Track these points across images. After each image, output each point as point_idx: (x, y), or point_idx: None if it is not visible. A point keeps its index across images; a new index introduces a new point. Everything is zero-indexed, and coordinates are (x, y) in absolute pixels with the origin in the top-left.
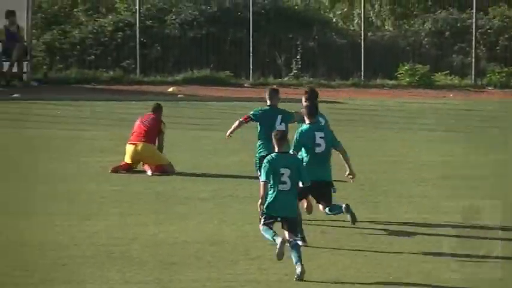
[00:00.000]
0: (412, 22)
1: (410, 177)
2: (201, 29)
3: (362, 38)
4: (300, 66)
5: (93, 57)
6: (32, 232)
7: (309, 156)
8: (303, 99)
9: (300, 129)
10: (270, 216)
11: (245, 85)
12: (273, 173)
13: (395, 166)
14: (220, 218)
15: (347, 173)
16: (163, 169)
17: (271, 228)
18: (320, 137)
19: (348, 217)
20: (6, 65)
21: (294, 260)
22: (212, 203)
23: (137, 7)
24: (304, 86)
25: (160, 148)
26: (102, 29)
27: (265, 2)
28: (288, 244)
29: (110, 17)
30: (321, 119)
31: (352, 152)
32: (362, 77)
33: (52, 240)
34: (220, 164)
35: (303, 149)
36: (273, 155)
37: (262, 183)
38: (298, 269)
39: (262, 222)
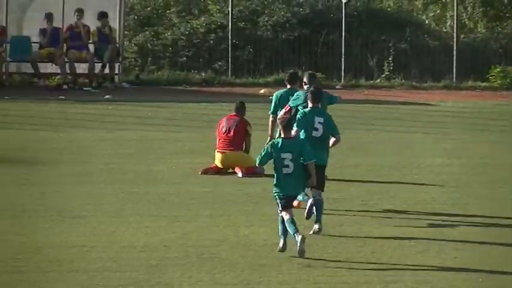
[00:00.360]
0: (504, 24)
1: (501, 179)
2: (293, 30)
3: (454, 40)
4: (391, 68)
5: (185, 58)
6: (122, 233)
7: (306, 138)
8: (303, 84)
9: (302, 111)
10: (280, 197)
11: (337, 87)
12: (275, 158)
13: (485, 168)
14: (310, 219)
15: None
16: (254, 171)
17: (295, 223)
18: (319, 122)
19: (306, 211)
20: (98, 66)
21: (292, 232)
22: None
23: (230, 9)
24: (396, 88)
25: (248, 150)
26: (194, 31)
27: (357, 4)
28: (287, 220)
29: (203, 18)
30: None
31: (443, 154)
32: (454, 79)
33: (142, 242)
34: None
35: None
36: (278, 140)
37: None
38: (299, 244)
39: (279, 208)
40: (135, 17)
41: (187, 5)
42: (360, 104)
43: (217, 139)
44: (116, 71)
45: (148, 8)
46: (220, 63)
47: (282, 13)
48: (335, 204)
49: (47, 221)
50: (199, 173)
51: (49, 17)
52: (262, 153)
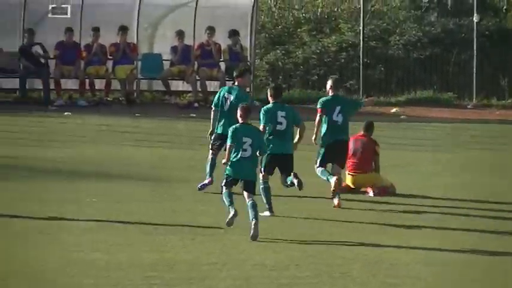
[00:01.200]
0: None
1: None
2: (424, 50)
3: None
4: None
5: (316, 77)
6: (253, 251)
7: (272, 132)
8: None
9: (265, 107)
10: (231, 178)
11: (468, 106)
12: (237, 140)
13: None
14: (442, 237)
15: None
16: (386, 190)
17: (231, 196)
18: (282, 116)
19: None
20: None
21: (251, 217)
22: (434, 223)
23: (361, 28)
24: None
25: (377, 170)
26: (325, 49)
27: (489, 24)
28: (248, 204)
29: (334, 37)
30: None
31: None
32: None
33: (273, 260)
34: (442, 185)
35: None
36: (238, 125)
37: (228, 146)
38: (252, 229)
39: (223, 182)
40: (266, 35)
41: (318, 23)
42: (492, 124)
43: (347, 160)
44: (247, 90)
45: (280, 27)
46: (351, 82)
47: (414, 32)
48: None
49: (178, 238)
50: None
51: (180, 34)
52: (230, 136)
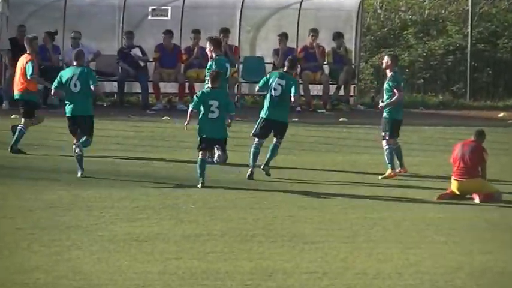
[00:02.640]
0: None
1: None
2: None
3: None
4: None
5: (422, 80)
6: (355, 260)
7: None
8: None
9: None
10: (203, 139)
11: None
12: (203, 104)
13: None
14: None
15: None
16: (492, 197)
17: (204, 168)
18: (279, 84)
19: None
20: (332, 88)
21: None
22: None
23: (469, 30)
24: None
25: (484, 176)
26: (432, 52)
27: None
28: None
29: (441, 40)
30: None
31: None
32: None
33: (375, 269)
34: None
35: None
36: (206, 89)
37: (189, 110)
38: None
39: (199, 147)
40: (372, 37)
41: (425, 25)
42: None
43: (453, 165)
44: (351, 93)
45: (386, 29)
46: (458, 85)
47: None
48: None
49: (277, 246)
50: (436, 198)
51: (283, 36)
52: (195, 101)
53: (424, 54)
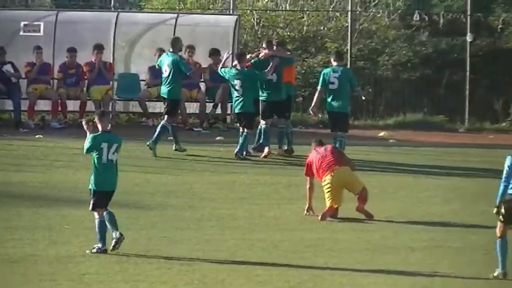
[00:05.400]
0: None
1: None
2: (415, 71)
3: None
4: None
5: (301, 99)
6: (233, 282)
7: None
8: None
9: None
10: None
11: (460, 130)
12: (229, 82)
13: None
14: (432, 269)
15: None
16: (365, 197)
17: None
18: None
19: None
20: (209, 106)
21: None
22: (423, 253)
23: (348, 47)
24: None
25: (352, 165)
26: (311, 70)
27: (483, 44)
28: None
29: (320, 57)
30: None
31: None
32: None
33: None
34: (431, 212)
35: None
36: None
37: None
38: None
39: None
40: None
41: (303, 42)
42: (484, 149)
43: (321, 170)
44: (229, 111)
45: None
46: None
47: (404, 52)
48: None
49: (154, 267)
50: (320, 218)
51: (161, 51)
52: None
53: (303, 71)
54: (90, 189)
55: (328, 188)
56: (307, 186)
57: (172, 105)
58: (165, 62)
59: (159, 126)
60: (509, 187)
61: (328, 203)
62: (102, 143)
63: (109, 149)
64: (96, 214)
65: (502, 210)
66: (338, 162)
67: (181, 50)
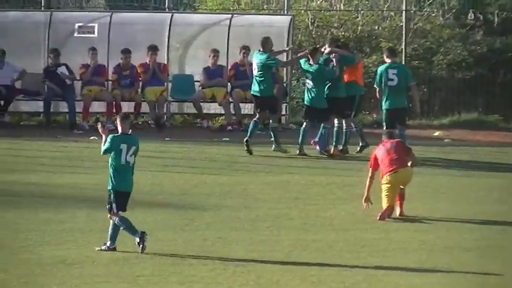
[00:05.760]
0: None
1: None
2: (470, 70)
3: None
4: None
5: None
6: (288, 282)
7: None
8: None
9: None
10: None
11: None
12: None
13: None
14: (483, 269)
15: None
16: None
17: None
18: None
19: None
20: None
21: None
22: (476, 252)
23: (403, 47)
24: None
25: (415, 161)
26: (366, 70)
27: None
28: None
29: (374, 57)
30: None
31: None
32: None
33: None
34: (485, 211)
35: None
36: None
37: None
38: None
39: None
40: None
41: (358, 42)
42: None
43: (381, 165)
44: (283, 112)
45: (318, 46)
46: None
47: (458, 51)
48: None
49: (208, 269)
50: (378, 218)
51: (215, 52)
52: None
53: None
54: (110, 190)
55: (387, 187)
56: (369, 177)
57: (268, 103)
58: (255, 61)
59: (270, 128)
60: None
61: (385, 202)
62: (122, 144)
63: (128, 150)
64: (113, 216)
65: None
66: (401, 163)
67: (271, 49)
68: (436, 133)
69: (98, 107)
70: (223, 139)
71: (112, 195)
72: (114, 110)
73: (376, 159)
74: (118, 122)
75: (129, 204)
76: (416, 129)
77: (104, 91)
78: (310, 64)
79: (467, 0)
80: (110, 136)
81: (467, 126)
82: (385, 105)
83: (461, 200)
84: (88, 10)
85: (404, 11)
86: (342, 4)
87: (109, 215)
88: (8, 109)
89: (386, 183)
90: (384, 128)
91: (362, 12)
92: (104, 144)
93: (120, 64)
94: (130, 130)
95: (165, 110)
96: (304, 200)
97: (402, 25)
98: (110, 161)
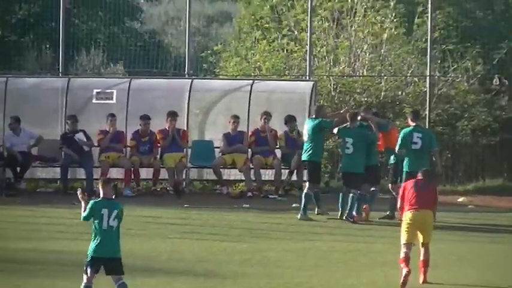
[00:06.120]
0: None
1: None
2: (495, 135)
3: None
4: None
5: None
6: None
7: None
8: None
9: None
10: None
11: None
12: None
13: None
14: None
15: None
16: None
17: None
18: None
19: None
20: (285, 172)
21: None
22: None
23: (427, 112)
24: None
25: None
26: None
27: None
28: None
29: (398, 122)
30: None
31: None
32: None
33: None
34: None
35: None
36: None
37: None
38: None
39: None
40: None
41: (381, 108)
42: None
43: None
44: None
45: (342, 111)
46: None
47: (483, 117)
48: None
49: None
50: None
51: (235, 118)
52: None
53: None
54: (87, 255)
55: (407, 223)
56: (399, 208)
57: (313, 169)
58: (305, 128)
59: (303, 195)
60: None
61: (404, 238)
62: (103, 209)
63: (109, 215)
64: (84, 277)
65: None
66: (424, 203)
67: (324, 117)
68: (460, 199)
69: (116, 173)
70: (243, 205)
71: (88, 260)
72: (132, 177)
73: (404, 189)
74: (100, 186)
75: (149, 272)
76: (440, 194)
77: (122, 157)
78: (349, 128)
79: (492, 65)
80: (91, 202)
81: (492, 192)
82: (405, 167)
83: (486, 268)
84: (106, 76)
85: (428, 77)
86: (364, 70)
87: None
88: (24, 176)
89: (407, 220)
90: None
91: (385, 77)
92: (84, 211)
93: (139, 130)
94: (114, 195)
95: (184, 176)
96: (325, 267)
97: (426, 90)
98: (93, 227)
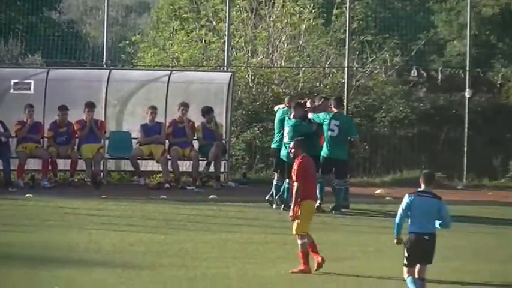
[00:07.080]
0: None
1: None
2: (413, 127)
3: None
4: None
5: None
6: None
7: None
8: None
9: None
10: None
11: (458, 187)
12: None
13: None
14: None
15: None
16: None
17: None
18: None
19: None
20: (202, 164)
21: None
22: None
23: (345, 104)
24: None
25: None
26: None
27: (481, 100)
28: None
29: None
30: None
31: None
32: None
33: None
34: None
35: None
36: None
37: None
38: None
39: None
40: (243, 111)
41: (299, 99)
42: (485, 206)
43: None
44: (222, 169)
45: (258, 103)
46: None
47: (401, 108)
48: None
49: None
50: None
51: (153, 109)
52: None
53: None
54: None
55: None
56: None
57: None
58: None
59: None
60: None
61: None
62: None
63: None
64: None
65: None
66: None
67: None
68: (378, 191)
69: (33, 164)
70: (161, 197)
71: None
72: (49, 167)
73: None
74: None
75: (67, 263)
76: (358, 186)
77: (39, 148)
78: (289, 118)
79: (411, 56)
80: None
81: (410, 184)
82: (323, 152)
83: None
84: (24, 66)
85: (346, 68)
86: (282, 61)
87: None
88: None
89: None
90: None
91: (303, 69)
92: None
93: (56, 121)
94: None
95: (101, 167)
96: (242, 258)
97: (344, 82)
98: None
